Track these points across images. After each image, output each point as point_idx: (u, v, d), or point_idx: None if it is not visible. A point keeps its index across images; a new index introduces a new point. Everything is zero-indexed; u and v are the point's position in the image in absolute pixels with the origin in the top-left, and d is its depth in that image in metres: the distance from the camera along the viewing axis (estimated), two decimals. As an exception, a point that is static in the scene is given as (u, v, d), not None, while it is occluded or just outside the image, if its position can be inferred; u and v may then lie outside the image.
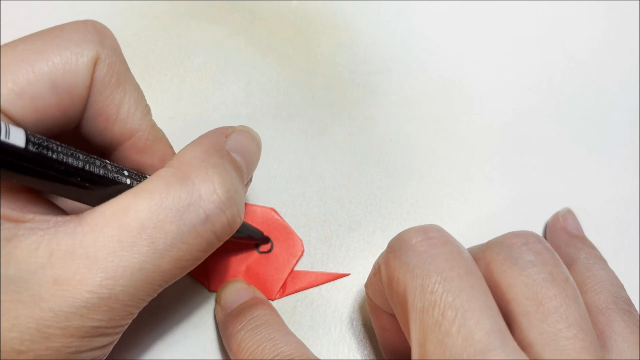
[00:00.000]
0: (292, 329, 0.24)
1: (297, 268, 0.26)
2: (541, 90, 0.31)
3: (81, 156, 0.17)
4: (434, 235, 0.18)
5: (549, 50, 0.32)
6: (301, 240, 0.26)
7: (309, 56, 0.30)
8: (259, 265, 0.25)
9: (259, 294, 0.24)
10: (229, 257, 0.25)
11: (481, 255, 0.19)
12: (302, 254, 0.26)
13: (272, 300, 0.25)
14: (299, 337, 0.22)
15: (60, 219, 0.17)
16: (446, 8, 0.32)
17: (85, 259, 0.17)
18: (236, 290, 0.24)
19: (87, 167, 0.17)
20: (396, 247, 0.19)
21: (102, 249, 0.17)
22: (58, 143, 0.17)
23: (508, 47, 0.32)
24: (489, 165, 0.29)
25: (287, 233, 0.26)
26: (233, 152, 0.21)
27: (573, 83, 0.31)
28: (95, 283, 0.17)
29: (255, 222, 0.26)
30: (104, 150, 0.21)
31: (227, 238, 0.19)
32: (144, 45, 0.29)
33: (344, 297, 0.26)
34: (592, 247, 0.26)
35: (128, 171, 0.19)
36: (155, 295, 0.19)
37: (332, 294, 0.26)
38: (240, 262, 0.25)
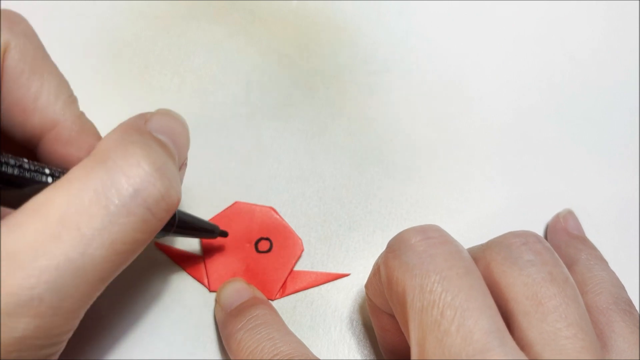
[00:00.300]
0: (292, 329, 0.24)
1: (297, 268, 0.26)
2: (541, 90, 0.31)
3: None
4: (433, 235, 0.18)
5: (549, 50, 0.32)
6: (301, 240, 0.26)
7: (309, 56, 0.30)
8: (258, 265, 0.25)
9: (259, 294, 0.24)
10: (228, 257, 0.25)
11: (481, 255, 0.19)
12: (301, 254, 0.26)
13: (272, 300, 0.25)
14: (299, 337, 0.22)
15: None
16: (446, 8, 0.32)
17: (5, 259, 0.15)
18: (236, 290, 0.24)
19: None
20: (395, 247, 0.19)
21: (22, 245, 0.15)
22: None
23: (508, 47, 0.32)
24: (489, 165, 0.29)
25: (287, 233, 0.26)
26: (156, 132, 0.19)
27: (573, 83, 0.31)
28: (14, 283, 0.15)
29: (255, 222, 0.26)
30: (27, 145, 0.19)
31: (166, 216, 0.18)
32: (144, 45, 0.29)
33: (344, 297, 0.26)
34: (592, 248, 0.26)
35: (50, 169, 0.18)
36: (96, 293, 0.17)
37: (332, 294, 0.26)
38: (240, 262, 0.25)
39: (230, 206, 0.26)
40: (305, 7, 0.31)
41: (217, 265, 0.25)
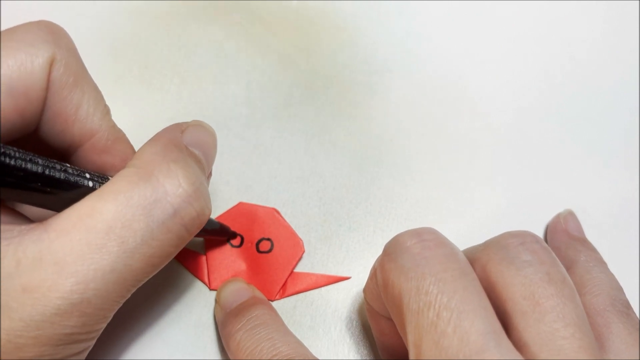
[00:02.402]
0: (292, 329, 0.24)
1: (297, 268, 0.26)
2: (541, 90, 0.31)
3: (40, 161, 0.17)
4: (428, 237, 0.18)
5: (549, 50, 0.32)
6: (302, 242, 0.26)
7: (309, 56, 0.30)
8: (259, 265, 0.25)
9: (259, 294, 0.24)
10: (230, 256, 0.26)
11: (478, 256, 0.19)
12: (302, 255, 0.26)
13: (272, 300, 0.25)
14: (299, 337, 0.22)
15: (24, 227, 0.17)
16: (446, 8, 0.32)
17: (53, 265, 0.16)
18: (236, 290, 0.24)
19: (47, 172, 0.17)
20: (391, 250, 0.19)
21: (71, 253, 0.16)
22: (15, 149, 0.16)
23: (508, 47, 0.32)
24: (489, 165, 0.29)
25: (288, 233, 0.26)
26: (191, 146, 0.20)
27: (573, 83, 0.31)
28: (66, 289, 0.16)
29: (257, 222, 0.26)
30: (63, 153, 0.20)
31: (197, 231, 0.19)
32: (144, 45, 0.29)
33: (343, 298, 0.26)
34: (592, 250, 0.26)
35: (90, 174, 0.19)
36: (129, 295, 0.18)
37: (332, 295, 0.26)
38: (241, 262, 0.25)
39: (235, 206, 0.26)
40: (305, 7, 0.31)
41: (218, 263, 0.25)
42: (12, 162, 0.16)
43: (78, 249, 0.16)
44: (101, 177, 0.19)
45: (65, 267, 0.16)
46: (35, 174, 0.17)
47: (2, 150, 0.16)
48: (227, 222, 0.26)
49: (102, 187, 0.18)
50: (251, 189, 0.27)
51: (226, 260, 0.25)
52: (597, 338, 0.21)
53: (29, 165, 0.16)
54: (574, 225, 0.27)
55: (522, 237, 0.19)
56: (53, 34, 0.19)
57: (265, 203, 0.27)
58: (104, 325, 0.18)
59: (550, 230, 0.28)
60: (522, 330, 0.17)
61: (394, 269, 0.18)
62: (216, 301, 0.24)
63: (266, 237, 0.26)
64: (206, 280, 0.25)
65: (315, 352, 0.24)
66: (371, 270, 0.21)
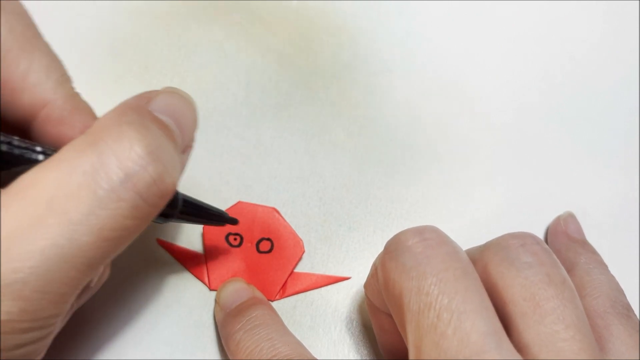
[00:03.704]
0: (292, 329, 0.24)
1: (297, 268, 0.26)
2: (541, 90, 0.31)
3: None
4: (430, 236, 0.18)
5: (549, 50, 0.32)
6: (302, 241, 0.26)
7: (309, 56, 0.30)
8: (259, 265, 0.25)
9: (258, 294, 0.24)
10: (230, 256, 0.25)
11: (478, 257, 0.19)
12: (302, 255, 0.26)
13: (272, 301, 0.25)
14: (298, 337, 0.22)
15: None
16: (446, 8, 0.32)
17: None
18: (235, 290, 0.24)
19: None
20: (392, 249, 0.19)
21: (6, 228, 0.15)
22: None
23: (508, 47, 0.32)
24: (489, 165, 0.29)
25: (288, 233, 0.26)
26: (158, 113, 0.18)
27: (573, 83, 0.31)
28: None
29: (257, 222, 0.26)
30: (18, 126, 0.19)
31: (158, 202, 0.17)
32: (144, 45, 0.29)
33: (343, 298, 0.26)
34: (592, 252, 0.26)
35: (42, 147, 0.17)
36: (85, 278, 0.16)
37: (332, 294, 0.26)
38: (241, 262, 0.25)
39: (234, 206, 0.26)
40: (305, 7, 0.31)
41: (218, 263, 0.25)
42: None
43: (15, 223, 0.15)
44: (56, 151, 0.17)
45: None
46: None
47: None
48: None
49: (48, 158, 0.16)
50: (251, 189, 0.27)
51: (226, 260, 0.25)
52: (597, 340, 0.21)
53: None
54: (574, 228, 0.27)
55: (522, 239, 0.19)
56: None
57: (265, 203, 0.27)
58: (57, 314, 0.16)
59: (551, 233, 0.28)
60: (523, 332, 0.17)
61: (395, 267, 0.18)
62: (216, 301, 0.24)
63: (266, 237, 0.26)
64: (206, 280, 0.25)
65: (315, 352, 0.24)
66: (372, 267, 0.21)
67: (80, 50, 0.29)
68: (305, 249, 0.26)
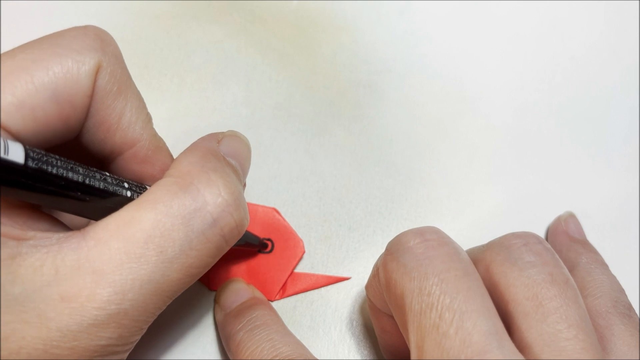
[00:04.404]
0: (292, 329, 0.24)
1: (297, 268, 0.26)
2: (541, 90, 0.31)
3: (81, 170, 0.17)
4: (431, 237, 0.18)
5: (549, 50, 0.32)
6: (302, 241, 0.26)
7: (309, 56, 0.30)
8: (259, 265, 0.25)
9: (259, 294, 0.24)
10: (230, 257, 0.25)
11: (481, 257, 0.19)
12: (302, 255, 0.26)
13: (272, 301, 0.25)
14: (299, 337, 0.22)
15: (62, 234, 0.17)
16: (447, 8, 0.32)
17: (92, 274, 0.16)
18: (235, 291, 0.24)
19: (87, 181, 0.17)
20: (394, 250, 0.19)
21: (109, 262, 0.16)
22: (57, 157, 0.16)
23: (508, 46, 0.32)
24: (489, 165, 0.29)
25: (288, 234, 0.26)
26: (227, 156, 0.20)
27: (573, 82, 0.31)
28: (103, 299, 0.16)
29: (257, 222, 0.26)
30: (104, 160, 0.20)
31: (235, 242, 0.19)
32: (144, 45, 0.29)
33: (343, 298, 0.26)
34: (593, 252, 0.26)
35: (128, 183, 0.19)
36: (165, 307, 0.18)
37: (332, 294, 0.26)
38: (241, 262, 0.25)
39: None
40: (305, 7, 0.31)
41: (218, 264, 0.25)
42: (54, 171, 0.16)
43: (116, 258, 0.16)
44: (139, 187, 0.19)
45: (103, 277, 0.16)
46: (76, 182, 0.16)
47: (45, 158, 0.16)
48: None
49: (141, 197, 0.17)
50: (251, 189, 0.27)
51: (226, 260, 0.25)
52: (599, 340, 0.21)
53: (69, 174, 0.16)
54: (574, 228, 0.27)
55: (525, 238, 0.19)
56: (100, 41, 0.18)
57: (265, 203, 0.27)
58: (139, 337, 0.18)
59: (551, 233, 0.28)
60: (525, 331, 0.17)
61: (396, 268, 0.18)
62: (216, 301, 0.24)
63: (266, 237, 0.26)
64: (206, 281, 0.25)
65: (315, 352, 0.24)
66: (373, 268, 0.21)
67: (80, 50, 0.29)
68: (305, 249, 0.26)
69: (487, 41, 0.32)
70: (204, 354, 0.24)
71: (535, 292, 0.17)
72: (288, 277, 0.25)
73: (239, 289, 0.24)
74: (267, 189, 0.27)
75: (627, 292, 0.23)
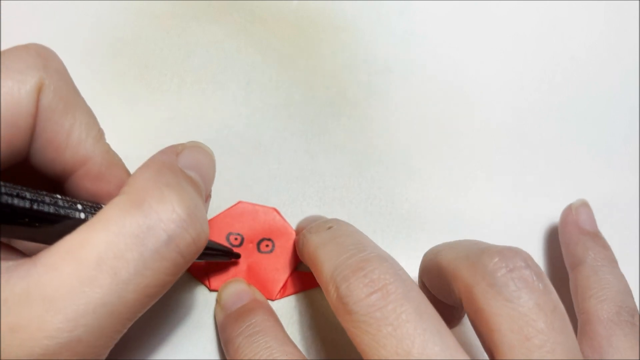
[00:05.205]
0: (292, 329, 0.24)
1: (297, 268, 0.26)
2: (541, 90, 0.31)
3: (28, 195, 0.16)
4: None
5: (549, 50, 0.32)
6: (302, 241, 0.26)
7: (309, 56, 0.30)
8: (260, 265, 0.25)
9: (259, 296, 0.24)
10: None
11: (464, 275, 0.19)
12: (302, 255, 0.26)
13: (272, 300, 0.25)
14: (299, 337, 0.22)
15: (12, 263, 0.16)
16: (447, 8, 0.32)
17: (42, 302, 0.15)
18: (236, 292, 0.24)
19: (35, 207, 0.16)
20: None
21: (60, 288, 0.15)
22: (2, 183, 0.15)
23: (508, 46, 0.32)
24: (490, 165, 0.29)
25: (289, 234, 0.26)
26: (186, 169, 0.20)
27: (573, 83, 0.31)
28: (54, 327, 0.15)
29: (258, 222, 0.26)
30: (56, 180, 0.20)
31: (194, 257, 0.18)
32: (144, 45, 0.29)
33: (344, 297, 0.26)
34: (602, 246, 0.25)
35: (82, 204, 0.18)
36: (125, 330, 0.17)
37: (332, 294, 0.26)
38: (242, 262, 0.25)
39: (234, 205, 0.26)
40: (305, 7, 0.31)
41: (218, 264, 0.25)
42: None
43: (68, 283, 0.15)
44: (94, 207, 0.18)
45: (53, 304, 0.15)
46: (23, 209, 0.16)
47: None
48: (227, 222, 0.26)
49: (94, 218, 0.17)
50: (251, 189, 0.27)
51: (226, 261, 0.25)
52: (596, 350, 0.21)
53: (15, 201, 0.15)
54: (585, 217, 0.26)
55: (512, 261, 0.18)
56: (41, 58, 0.18)
57: (265, 203, 0.27)
58: None
59: (561, 223, 0.27)
60: None
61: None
62: (217, 301, 0.24)
63: (267, 237, 0.26)
64: (206, 280, 0.25)
65: (315, 352, 0.24)
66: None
67: (80, 50, 0.29)
68: (306, 249, 0.26)
69: (487, 41, 0.32)
70: (204, 354, 0.24)
71: (520, 325, 0.17)
72: (288, 277, 0.25)
73: (240, 290, 0.24)
74: (267, 188, 0.27)
75: (628, 293, 0.23)
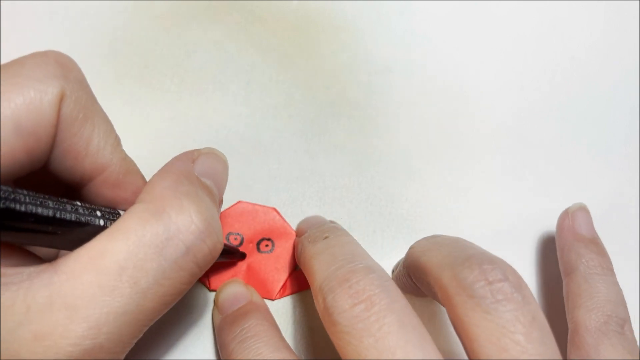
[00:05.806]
0: (292, 329, 0.24)
1: (297, 269, 0.26)
2: (541, 90, 0.31)
3: (51, 203, 0.16)
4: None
5: (549, 50, 0.32)
6: (301, 241, 0.26)
7: (309, 56, 0.30)
8: (259, 265, 0.25)
9: (256, 298, 0.24)
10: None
11: (446, 283, 0.19)
12: (302, 254, 0.26)
13: (272, 300, 0.25)
14: (299, 337, 0.22)
15: (33, 269, 0.16)
16: (447, 8, 0.32)
17: (65, 310, 0.16)
18: (233, 294, 0.24)
19: (57, 215, 0.16)
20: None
21: (82, 296, 0.16)
22: (26, 192, 0.16)
23: (508, 46, 0.32)
24: (490, 165, 0.29)
25: (289, 234, 0.26)
26: (202, 176, 0.20)
27: (573, 83, 0.31)
28: (78, 334, 0.16)
29: (258, 222, 0.26)
30: (74, 187, 0.20)
31: (209, 266, 0.19)
32: (144, 45, 0.29)
33: (344, 297, 0.26)
34: (596, 253, 0.24)
35: (101, 211, 0.18)
36: (141, 335, 0.18)
37: (332, 294, 0.26)
38: (241, 262, 0.25)
39: (234, 205, 0.26)
40: (305, 7, 0.31)
41: (218, 264, 0.25)
42: (23, 208, 0.15)
43: (90, 291, 0.16)
44: (112, 214, 0.19)
45: (76, 312, 0.16)
46: (46, 217, 0.16)
47: (13, 196, 0.15)
48: (226, 222, 0.26)
49: (113, 226, 0.17)
50: (251, 189, 0.27)
51: (226, 260, 0.25)
52: (583, 358, 0.21)
53: (39, 210, 0.16)
54: (582, 222, 0.26)
55: (491, 274, 0.18)
56: (62, 67, 0.18)
57: (265, 203, 0.27)
58: None
59: (558, 228, 0.27)
60: None
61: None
62: (214, 303, 0.24)
63: (267, 237, 0.26)
64: (206, 280, 0.25)
65: (315, 352, 0.24)
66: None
67: (80, 50, 0.29)
68: (305, 249, 0.26)
69: (487, 41, 0.32)
70: (204, 354, 0.24)
71: (497, 337, 0.17)
72: (288, 277, 0.25)
73: (237, 292, 0.24)
74: (267, 188, 0.27)
75: (626, 294, 0.23)
